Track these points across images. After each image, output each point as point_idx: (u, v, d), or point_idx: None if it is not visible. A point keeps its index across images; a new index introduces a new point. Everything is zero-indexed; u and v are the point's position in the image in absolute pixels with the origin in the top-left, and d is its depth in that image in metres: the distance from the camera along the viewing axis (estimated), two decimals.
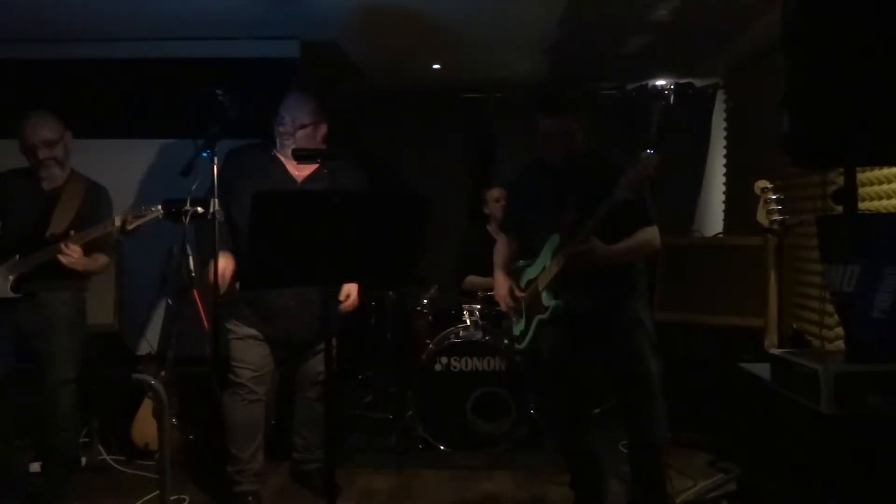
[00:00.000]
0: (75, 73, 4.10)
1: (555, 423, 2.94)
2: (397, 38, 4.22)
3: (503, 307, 3.00)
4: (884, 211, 2.98)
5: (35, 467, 3.27)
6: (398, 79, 5.19)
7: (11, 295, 2.90)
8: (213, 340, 2.31)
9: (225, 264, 2.63)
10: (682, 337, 3.79)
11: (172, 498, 2.56)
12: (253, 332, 2.91)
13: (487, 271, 4.35)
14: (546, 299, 2.74)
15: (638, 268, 2.78)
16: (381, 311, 4.37)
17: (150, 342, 3.53)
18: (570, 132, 2.69)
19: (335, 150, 2.82)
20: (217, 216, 2.23)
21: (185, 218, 2.27)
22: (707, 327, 3.75)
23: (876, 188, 3.09)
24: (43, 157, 2.97)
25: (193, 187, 2.42)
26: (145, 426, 3.51)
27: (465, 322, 3.96)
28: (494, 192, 4.60)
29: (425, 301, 4.25)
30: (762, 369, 2.15)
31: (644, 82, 5.26)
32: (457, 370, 3.76)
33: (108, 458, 3.51)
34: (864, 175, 3.09)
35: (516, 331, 2.97)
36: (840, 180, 3.06)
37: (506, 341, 3.86)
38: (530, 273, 2.86)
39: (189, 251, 2.32)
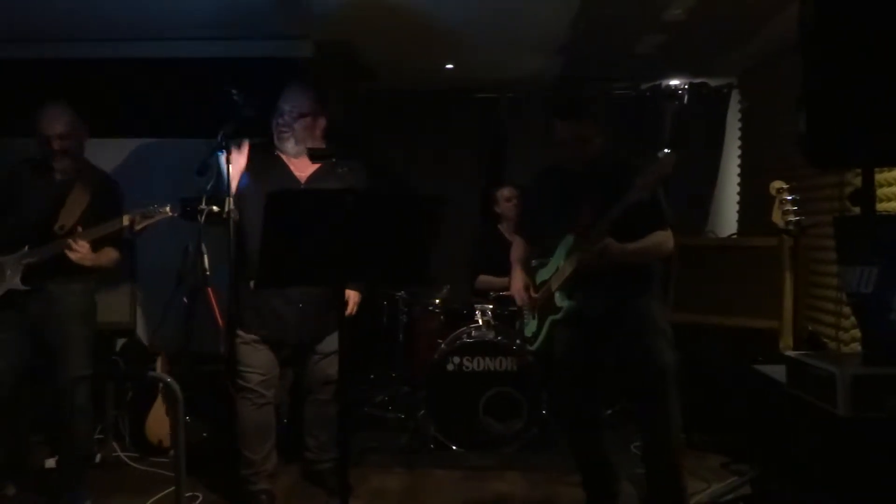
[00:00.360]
0: (91, 73, 4.15)
1: (567, 424, 2.93)
2: (410, 38, 4.22)
3: (518, 301, 2.99)
4: None
5: (51, 463, 3.30)
6: (411, 78, 5.20)
7: (22, 287, 2.90)
8: (228, 339, 2.32)
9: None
10: (696, 338, 3.76)
11: (186, 495, 2.57)
12: (256, 336, 2.92)
13: (500, 271, 4.37)
14: (559, 300, 2.73)
15: (652, 268, 2.77)
16: (393, 310, 4.37)
17: (165, 340, 3.55)
18: (585, 137, 2.67)
19: (346, 150, 2.84)
20: (232, 215, 2.24)
21: (201, 217, 2.28)
22: (721, 329, 3.73)
23: (894, 189, 3.06)
24: (57, 149, 2.98)
25: (208, 186, 2.43)
26: (159, 423, 3.54)
27: (478, 322, 3.95)
28: (505, 192, 4.60)
29: (437, 301, 4.25)
30: (777, 371, 2.13)
31: (658, 82, 5.24)
32: (469, 370, 3.76)
33: (122, 454, 3.54)
34: (881, 176, 3.06)
35: (528, 331, 2.96)
36: (857, 181, 3.04)
37: (518, 341, 3.86)
38: (543, 274, 2.86)
39: (204, 250, 2.33)
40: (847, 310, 3.20)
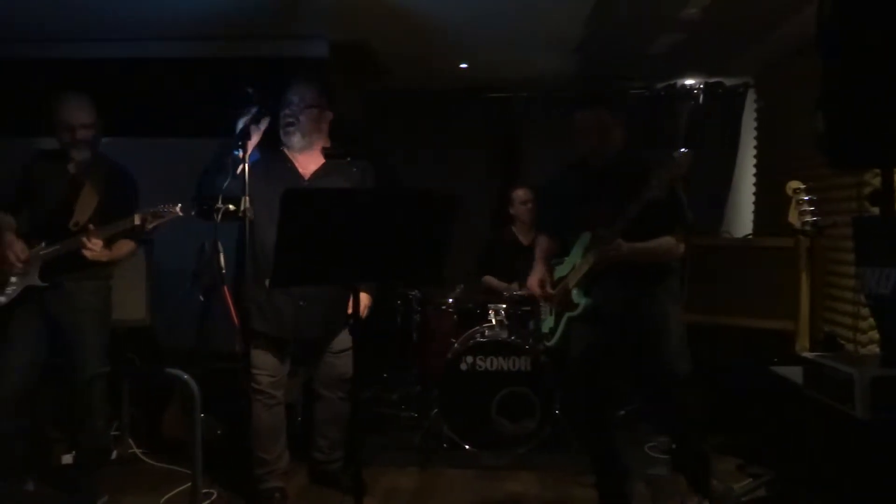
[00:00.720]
0: (106, 73, 4.19)
1: (581, 422, 2.93)
2: (424, 38, 4.23)
3: (534, 292, 2.98)
4: None
5: (68, 459, 3.32)
6: (424, 78, 5.20)
7: (40, 284, 2.92)
8: (243, 337, 2.33)
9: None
10: (711, 339, 3.74)
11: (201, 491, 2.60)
12: (262, 330, 2.91)
13: (508, 272, 4.37)
14: (576, 297, 2.74)
15: (669, 266, 2.76)
16: (407, 310, 4.37)
17: (181, 338, 3.58)
18: (606, 126, 2.69)
19: (358, 150, 2.85)
20: (248, 213, 2.26)
21: (217, 215, 2.30)
22: (736, 329, 3.71)
23: None
24: (80, 138, 2.99)
25: (225, 185, 2.45)
26: (175, 420, 3.56)
27: (491, 321, 3.95)
28: (521, 194, 4.59)
29: (450, 300, 4.25)
30: (793, 373, 2.12)
31: (673, 82, 5.21)
32: (482, 369, 3.75)
33: (137, 451, 3.57)
34: None
35: (545, 327, 2.97)
36: (876, 181, 3.01)
37: (531, 341, 3.86)
38: (561, 270, 2.86)
39: (220, 248, 2.35)
40: (865, 311, 3.17)
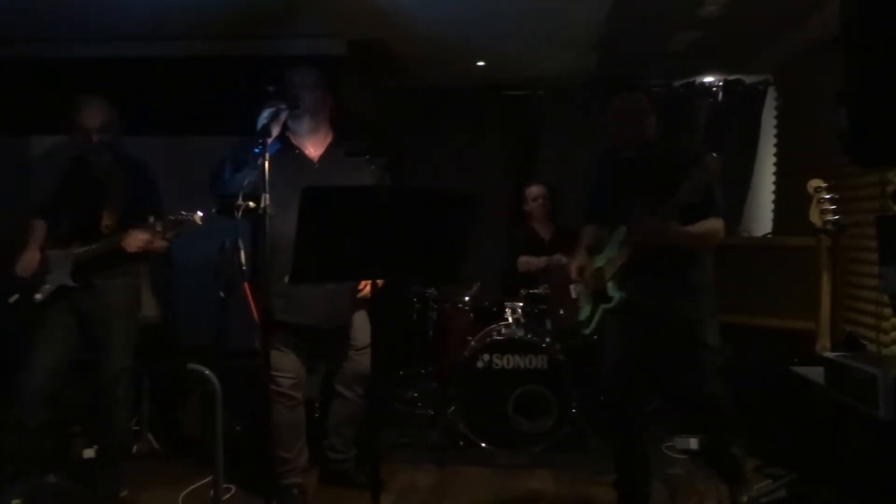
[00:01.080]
0: (124, 72, 4.23)
1: (608, 416, 2.91)
2: (441, 35, 4.23)
3: (571, 274, 2.99)
4: None
5: (89, 453, 3.36)
6: (442, 76, 5.20)
7: (71, 283, 3.00)
8: (264, 335, 2.34)
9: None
10: (730, 339, 3.71)
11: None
12: (285, 341, 2.92)
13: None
14: (611, 290, 2.75)
15: (703, 261, 2.75)
16: (423, 307, 4.38)
17: (200, 335, 3.61)
18: (643, 110, 2.71)
19: (375, 147, 2.87)
20: (268, 210, 2.27)
21: (238, 213, 2.32)
22: (756, 329, 3.68)
23: None
24: (96, 142, 3.05)
25: (245, 183, 2.47)
26: (193, 416, 3.59)
27: (508, 319, 3.95)
28: (533, 190, 4.59)
29: (467, 298, 4.26)
30: (815, 373, 2.10)
31: (692, 79, 5.17)
32: (498, 368, 3.75)
33: (156, 446, 3.61)
34: None
35: (582, 316, 2.98)
36: None
37: (548, 339, 3.85)
38: (597, 262, 2.86)
39: (241, 245, 2.37)
40: (888, 310, 3.14)
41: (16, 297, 3.04)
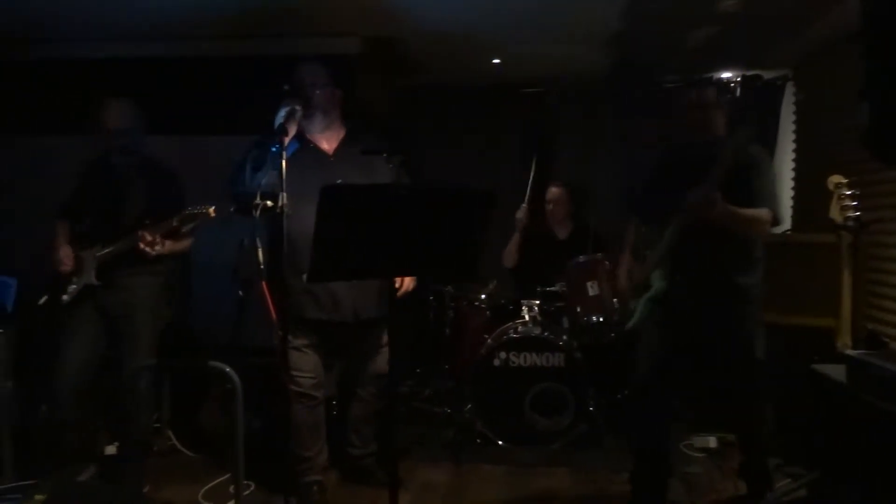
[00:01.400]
0: (143, 71, 4.27)
1: (636, 406, 2.88)
2: (456, 33, 4.22)
3: (621, 281, 3.00)
4: None
5: (111, 450, 3.41)
6: (457, 74, 5.20)
7: (96, 282, 3.08)
8: (282, 332, 2.36)
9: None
10: None
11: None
12: (305, 341, 2.93)
13: (542, 269, 4.34)
14: (654, 278, 2.75)
15: (755, 254, 2.74)
16: (440, 305, 4.39)
17: (217, 334, 3.65)
18: (715, 105, 2.75)
19: (391, 146, 2.87)
20: (286, 209, 2.29)
21: (256, 211, 2.34)
22: (775, 327, 3.63)
23: None
24: (119, 143, 3.12)
25: (263, 181, 2.48)
26: (212, 413, 3.62)
27: (524, 317, 3.95)
28: (552, 191, 4.58)
29: (483, 296, 4.26)
30: (836, 371, 2.08)
31: (709, 75, 5.12)
32: (515, 365, 3.75)
33: (176, 443, 3.64)
34: None
35: (629, 307, 2.99)
36: None
37: (565, 337, 3.84)
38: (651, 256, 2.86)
39: (259, 244, 2.38)
40: None
41: (44, 298, 3.13)
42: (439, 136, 5.51)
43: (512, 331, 3.86)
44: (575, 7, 3.75)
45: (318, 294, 2.89)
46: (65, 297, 3.10)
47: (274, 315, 2.38)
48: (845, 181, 2.67)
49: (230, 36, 4.24)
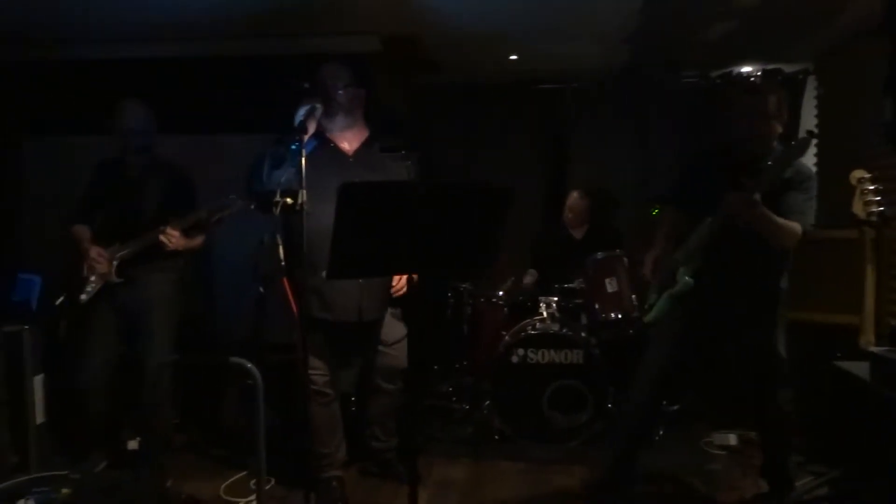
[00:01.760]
0: (161, 71, 4.32)
1: (639, 396, 2.87)
2: (474, 30, 4.22)
3: (647, 265, 2.97)
4: None
5: (133, 445, 3.46)
6: (474, 71, 5.19)
7: (116, 280, 3.14)
8: (302, 328, 2.38)
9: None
10: None
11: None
12: (315, 339, 2.92)
13: (557, 268, 4.34)
14: (681, 275, 2.73)
15: (781, 262, 2.72)
16: (458, 302, 4.40)
17: (240, 329, 3.69)
18: (770, 114, 2.61)
19: (408, 143, 2.89)
20: (305, 207, 2.30)
21: (276, 209, 2.36)
22: (797, 324, 3.60)
23: None
24: (135, 144, 3.17)
25: (283, 179, 2.51)
26: (232, 409, 3.66)
27: (542, 314, 3.94)
28: (572, 196, 4.59)
29: (501, 293, 4.26)
30: (859, 368, 2.06)
31: (729, 70, 5.07)
32: (533, 362, 3.75)
33: (197, 438, 3.68)
34: None
35: (648, 302, 2.97)
36: None
37: (583, 334, 3.83)
38: (679, 254, 2.84)
39: (279, 241, 2.41)
40: None
41: (61, 298, 3.18)
42: (457, 133, 5.51)
43: (530, 327, 3.86)
44: (592, 2, 3.73)
45: (325, 294, 2.91)
46: (83, 297, 3.16)
47: (296, 311, 2.40)
48: (868, 176, 2.64)
49: (248, 35, 4.27)
